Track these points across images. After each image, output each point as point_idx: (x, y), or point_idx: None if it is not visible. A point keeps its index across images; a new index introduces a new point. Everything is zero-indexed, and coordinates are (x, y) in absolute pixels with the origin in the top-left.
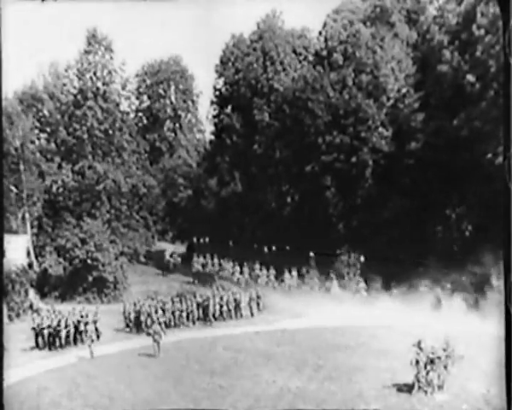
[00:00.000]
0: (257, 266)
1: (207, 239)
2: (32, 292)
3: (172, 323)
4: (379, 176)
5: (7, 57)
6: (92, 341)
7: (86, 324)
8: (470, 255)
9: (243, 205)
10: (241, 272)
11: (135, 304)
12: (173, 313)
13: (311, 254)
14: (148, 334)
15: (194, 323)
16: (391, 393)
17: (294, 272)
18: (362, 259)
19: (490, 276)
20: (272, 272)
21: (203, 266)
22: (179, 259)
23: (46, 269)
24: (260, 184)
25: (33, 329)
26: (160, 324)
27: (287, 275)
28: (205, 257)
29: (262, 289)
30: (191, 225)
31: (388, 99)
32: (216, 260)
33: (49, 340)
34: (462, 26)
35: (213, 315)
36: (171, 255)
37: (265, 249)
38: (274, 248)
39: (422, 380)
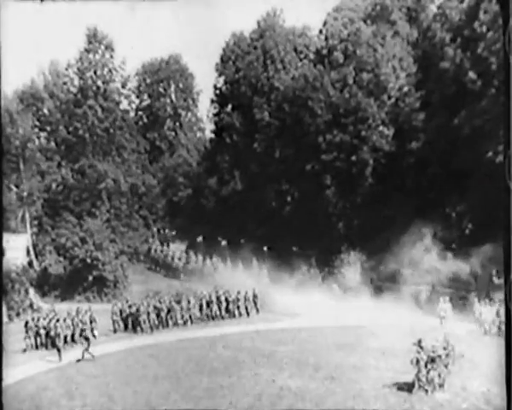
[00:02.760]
0: (191, 252)
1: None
2: (31, 291)
3: (171, 322)
4: (379, 175)
5: (7, 57)
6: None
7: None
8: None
9: (243, 204)
10: (180, 258)
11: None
12: (170, 311)
13: (224, 242)
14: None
15: (192, 322)
16: (391, 392)
17: (215, 259)
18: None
19: None
20: (200, 258)
21: (155, 251)
22: None
23: (46, 268)
24: (260, 182)
25: (26, 330)
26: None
27: (211, 260)
28: (162, 245)
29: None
30: (191, 224)
31: (389, 98)
32: (165, 247)
33: (56, 340)
34: (464, 23)
35: (211, 314)
36: None
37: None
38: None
39: (423, 379)
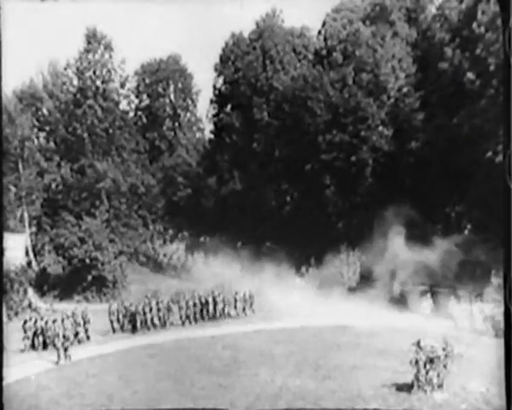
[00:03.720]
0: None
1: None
2: (30, 291)
3: (170, 322)
4: (379, 175)
5: (6, 56)
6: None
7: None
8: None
9: (243, 203)
10: (165, 255)
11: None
12: (169, 311)
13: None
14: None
15: (190, 322)
16: (390, 392)
17: (196, 255)
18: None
19: None
20: (183, 254)
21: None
22: None
23: (45, 268)
24: (260, 182)
25: (24, 330)
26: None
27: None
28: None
29: None
30: (190, 224)
31: (389, 98)
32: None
33: (55, 340)
34: (463, 24)
35: (207, 315)
36: None
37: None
38: None
39: (422, 379)
